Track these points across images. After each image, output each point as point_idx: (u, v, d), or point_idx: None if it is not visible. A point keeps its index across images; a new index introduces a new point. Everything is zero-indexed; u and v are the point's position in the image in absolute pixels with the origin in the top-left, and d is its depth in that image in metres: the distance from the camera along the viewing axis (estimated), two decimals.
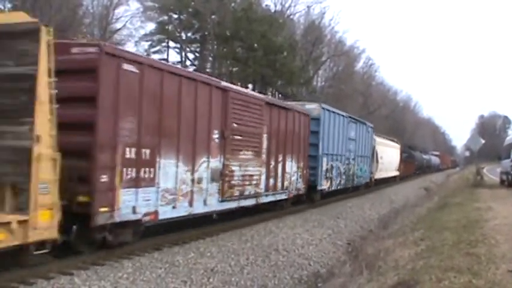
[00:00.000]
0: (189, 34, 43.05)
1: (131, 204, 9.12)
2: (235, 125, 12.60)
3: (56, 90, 7.44)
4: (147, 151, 9.46)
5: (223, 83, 12.88)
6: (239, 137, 12.85)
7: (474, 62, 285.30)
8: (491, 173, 42.49)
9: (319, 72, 53.74)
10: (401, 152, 41.67)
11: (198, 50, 44.40)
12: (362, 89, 62.75)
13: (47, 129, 7.31)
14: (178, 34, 41.98)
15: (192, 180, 10.89)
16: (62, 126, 7.54)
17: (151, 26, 41.91)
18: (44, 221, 7.25)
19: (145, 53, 37.35)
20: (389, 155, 35.39)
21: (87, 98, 8.45)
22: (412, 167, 50.32)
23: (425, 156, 64.14)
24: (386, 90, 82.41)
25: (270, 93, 38.45)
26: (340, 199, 23.05)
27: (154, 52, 42.17)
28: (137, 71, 9.20)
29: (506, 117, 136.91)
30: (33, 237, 7.12)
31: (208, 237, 11.65)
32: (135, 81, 9.15)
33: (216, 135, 11.82)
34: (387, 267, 8.33)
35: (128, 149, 8.99)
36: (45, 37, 7.28)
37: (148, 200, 9.55)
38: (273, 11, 43.53)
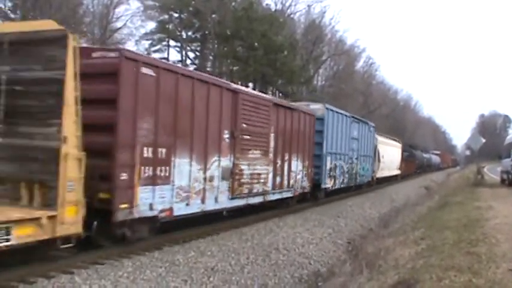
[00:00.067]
0: (189, 33, 43.25)
1: (148, 201, 9.53)
2: (244, 125, 13.03)
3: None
4: (163, 150, 9.89)
5: (234, 85, 13.35)
6: (248, 137, 13.27)
7: (474, 61, 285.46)
8: (492, 172, 42.51)
9: (319, 71, 54.01)
10: (403, 151, 41.99)
11: (198, 49, 44.61)
12: (362, 88, 62.95)
13: (73, 130, 7.71)
14: (178, 33, 42.18)
15: (204, 179, 11.31)
16: (83, 126, 7.90)
17: (151, 25, 42.24)
18: (70, 216, 7.66)
19: (145, 52, 37.37)
20: (390, 154, 35.75)
21: (108, 100, 8.85)
22: (413, 166, 50.65)
23: (426, 155, 64.45)
24: (387, 89, 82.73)
25: (270, 92, 38.52)
26: (341, 198, 23.17)
27: (155, 51, 42.51)
28: (154, 74, 9.59)
29: (506, 116, 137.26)
30: (60, 231, 7.52)
31: (208, 236, 11.73)
32: (152, 84, 9.55)
33: (226, 135, 12.25)
34: (387, 266, 8.36)
35: (145, 149, 9.41)
36: (72, 43, 7.68)
37: (164, 197, 9.96)
38: (273, 10, 43.75)
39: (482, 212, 13.73)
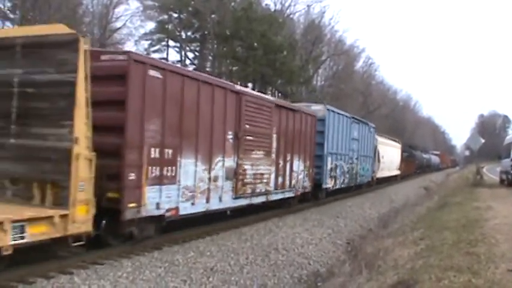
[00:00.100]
0: (188, 33, 43.35)
1: (155, 200, 9.75)
2: (247, 126, 13.23)
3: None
4: (170, 151, 10.11)
5: (237, 87, 13.59)
6: (251, 138, 13.48)
7: (474, 61, 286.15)
8: (491, 172, 42.57)
9: (319, 71, 54.08)
10: (402, 152, 42.20)
11: (197, 49, 44.71)
12: (362, 88, 63.11)
13: (84, 131, 7.92)
14: (178, 33, 42.27)
15: (209, 179, 11.54)
16: (93, 128, 8.09)
17: (151, 25, 42.37)
18: (81, 215, 7.88)
19: (145, 52, 37.41)
20: (390, 155, 35.99)
21: (116, 101, 9.04)
22: (412, 166, 50.86)
23: (425, 156, 64.67)
24: (386, 89, 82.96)
25: (269, 93, 38.61)
26: (341, 198, 23.26)
27: (154, 51, 42.63)
28: (161, 76, 9.81)
29: (506, 117, 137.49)
30: (72, 230, 7.74)
31: (208, 236, 11.76)
32: (159, 86, 9.76)
33: (230, 136, 12.47)
34: (387, 267, 8.36)
35: (152, 149, 9.63)
36: (83, 47, 7.90)
37: (170, 197, 10.18)
38: (272, 10, 43.88)
39: (482, 212, 13.77)
